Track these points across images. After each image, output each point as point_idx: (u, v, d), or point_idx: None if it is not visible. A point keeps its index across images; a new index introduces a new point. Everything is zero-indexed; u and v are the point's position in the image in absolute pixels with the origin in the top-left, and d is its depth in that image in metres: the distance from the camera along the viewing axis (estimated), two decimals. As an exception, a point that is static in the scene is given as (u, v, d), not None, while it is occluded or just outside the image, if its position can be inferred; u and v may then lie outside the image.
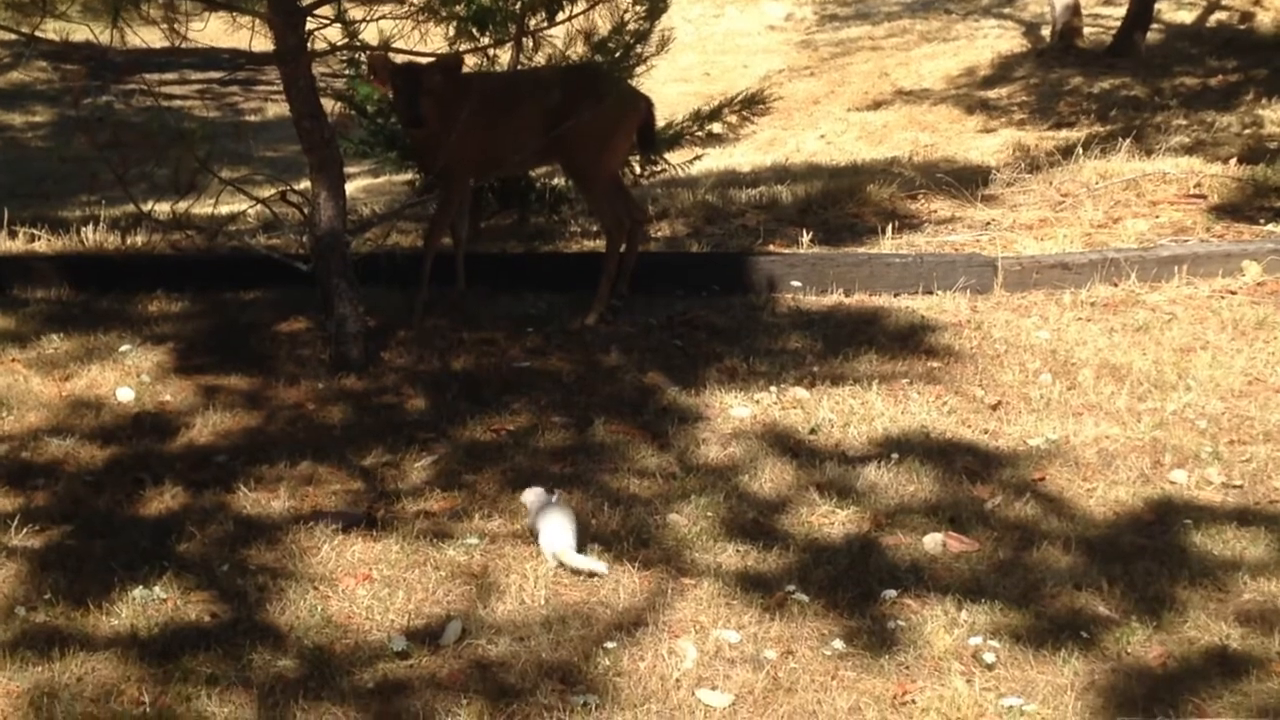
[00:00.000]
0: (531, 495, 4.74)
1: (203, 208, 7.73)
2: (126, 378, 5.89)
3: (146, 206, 6.00)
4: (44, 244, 7.84)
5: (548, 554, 4.46)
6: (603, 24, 7.53)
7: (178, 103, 17.98)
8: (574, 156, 6.66)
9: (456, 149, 6.34)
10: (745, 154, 14.22)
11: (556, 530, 4.49)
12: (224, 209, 7.80)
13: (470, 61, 7.47)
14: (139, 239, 7.83)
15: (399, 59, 6.40)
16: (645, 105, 6.83)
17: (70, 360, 6.05)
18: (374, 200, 9.62)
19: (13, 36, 6.28)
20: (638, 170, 8.26)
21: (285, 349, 6.23)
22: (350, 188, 12.25)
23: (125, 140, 5.94)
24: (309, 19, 5.86)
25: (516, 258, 7.54)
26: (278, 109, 19.00)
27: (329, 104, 6.74)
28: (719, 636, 4.06)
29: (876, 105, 16.89)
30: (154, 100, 8.85)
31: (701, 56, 20.73)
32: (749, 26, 22.41)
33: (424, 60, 6.30)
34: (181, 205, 6.09)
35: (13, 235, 7.96)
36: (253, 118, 18.65)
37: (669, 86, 18.79)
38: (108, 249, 7.70)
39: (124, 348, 6.18)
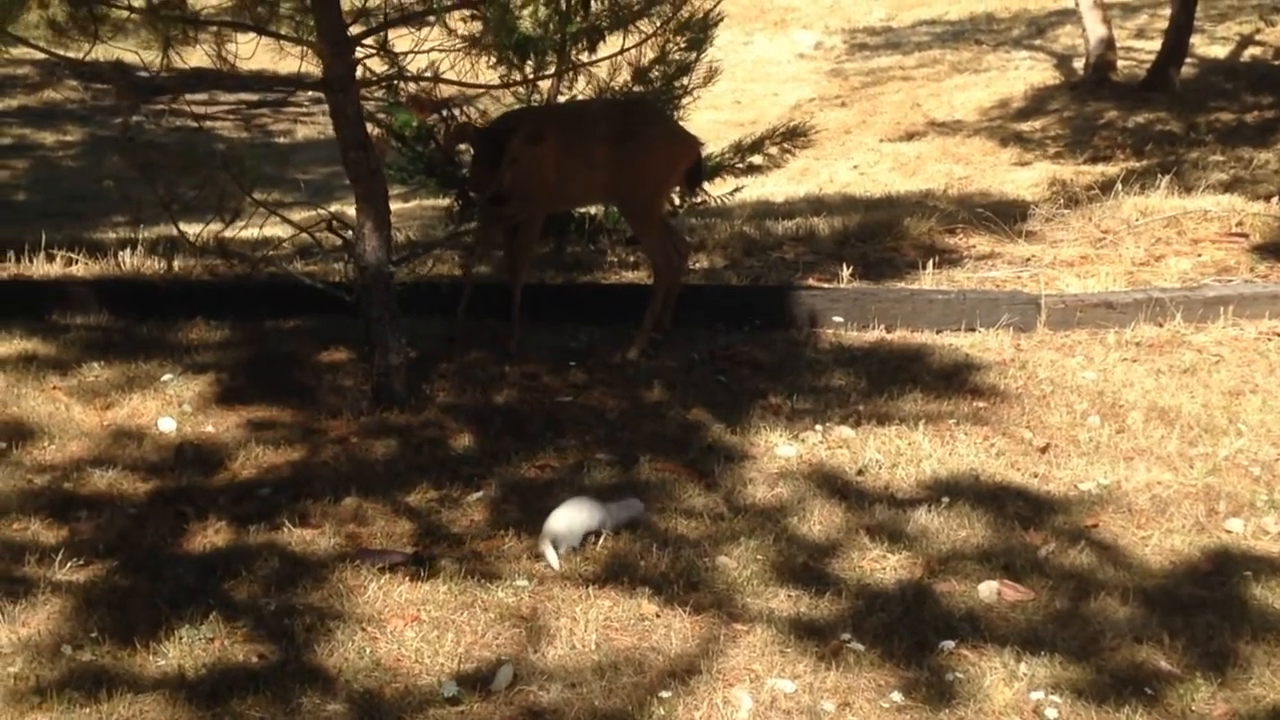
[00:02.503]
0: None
1: (241, 232, 7.71)
2: (168, 407, 5.84)
3: (187, 231, 5.94)
4: (81, 268, 7.79)
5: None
6: (648, 54, 7.50)
7: (208, 124, 18.04)
8: (630, 194, 6.62)
9: (535, 183, 6.36)
10: (778, 184, 14.13)
11: (561, 516, 4.69)
12: (259, 233, 7.75)
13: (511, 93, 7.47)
14: (177, 264, 7.78)
15: (472, 117, 6.40)
16: (696, 146, 6.81)
17: (111, 388, 6.01)
18: (406, 225, 9.57)
19: (42, 56, 6.24)
20: (676, 201, 8.23)
21: (327, 380, 6.18)
22: (407, 207, 12.30)
23: (163, 162, 5.88)
24: (357, 48, 5.82)
25: (555, 289, 7.49)
26: (307, 131, 19.05)
27: (312, 133, 6.70)
28: (774, 686, 3.99)
29: (909, 136, 16.84)
30: (196, 122, 8.84)
31: (731, 84, 20.66)
32: (779, 54, 22.40)
33: (506, 124, 6.32)
34: (221, 230, 6.03)
35: (50, 259, 7.92)
36: (283, 140, 18.67)
37: (699, 114, 18.61)
38: (146, 274, 7.65)
39: (165, 376, 6.14)
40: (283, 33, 5.90)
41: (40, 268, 7.79)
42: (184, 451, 5.43)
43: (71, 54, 6.15)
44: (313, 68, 5.98)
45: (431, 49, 6.21)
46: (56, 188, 15.42)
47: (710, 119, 17.49)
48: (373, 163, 5.84)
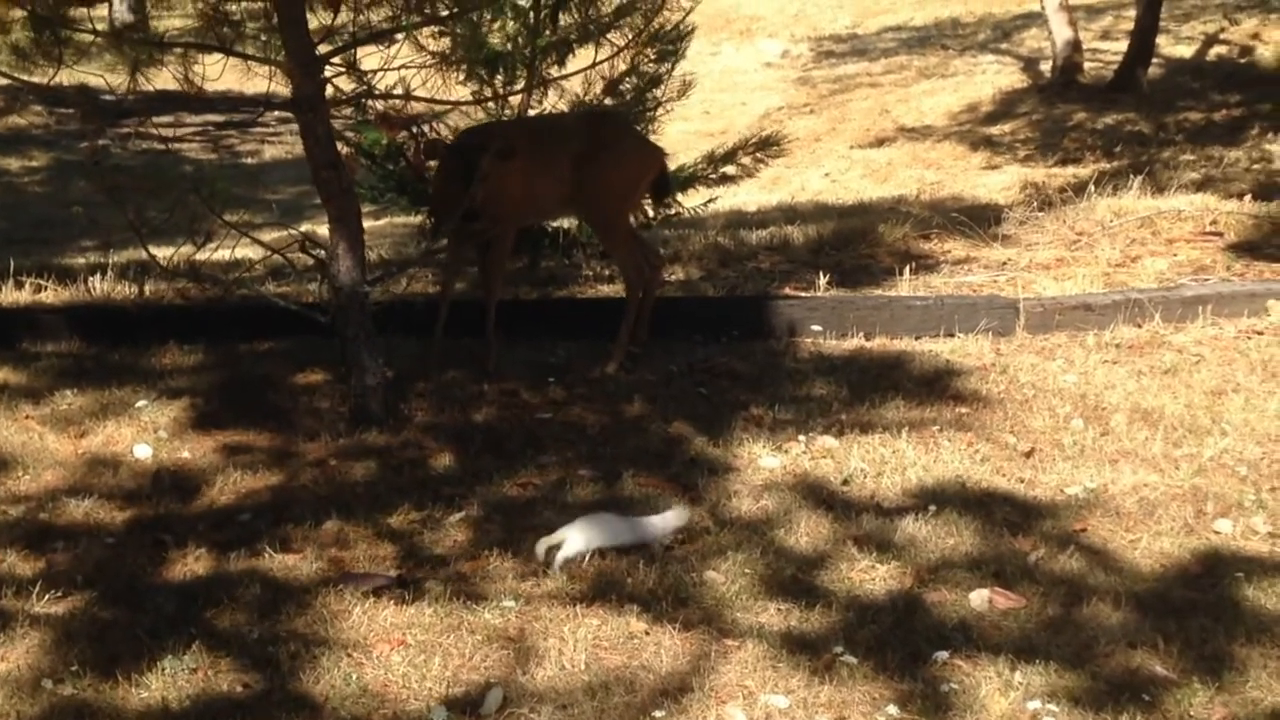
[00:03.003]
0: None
1: (212, 255, 7.63)
2: (143, 434, 5.77)
3: (157, 255, 5.86)
4: (51, 294, 7.71)
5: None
6: (619, 67, 7.46)
7: (175, 146, 17.93)
8: (596, 206, 6.58)
9: (504, 198, 6.33)
10: (750, 193, 14.09)
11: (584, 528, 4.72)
12: (231, 255, 7.69)
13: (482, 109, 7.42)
14: (148, 289, 7.70)
15: (441, 133, 6.35)
16: (662, 156, 6.78)
17: (85, 416, 5.92)
18: (378, 243, 9.49)
19: (5, 81, 6.16)
20: (650, 213, 8.19)
21: (304, 402, 6.12)
22: (379, 224, 12.22)
23: (131, 185, 5.80)
24: (326, 66, 5.76)
25: (531, 304, 7.44)
26: (274, 151, 18.94)
27: (280, 153, 6.63)
28: (768, 702, 3.94)
29: (879, 142, 16.83)
30: (163, 144, 8.78)
31: (700, 94, 20.41)
32: (745, 64, 22.37)
33: (473, 139, 6.27)
34: (193, 253, 5.96)
35: (19, 285, 7.84)
36: (250, 160, 18.57)
37: (669, 125, 18.58)
38: (117, 300, 7.56)
39: (139, 403, 6.06)
40: (249, 53, 5.83)
41: (9, 295, 7.71)
42: (161, 479, 5.35)
43: (36, 79, 6.09)
44: (280, 87, 5.92)
45: (401, 66, 6.15)
46: (22, 214, 15.30)
47: (680, 130, 17.47)
48: (345, 182, 5.79)
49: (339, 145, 8.43)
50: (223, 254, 7.41)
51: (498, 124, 7.20)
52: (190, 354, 6.71)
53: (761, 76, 21.63)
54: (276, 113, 8.92)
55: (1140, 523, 5.03)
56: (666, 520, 4.87)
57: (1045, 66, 18.74)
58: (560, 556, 4.66)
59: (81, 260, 9.00)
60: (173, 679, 3.98)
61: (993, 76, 19.28)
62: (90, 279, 7.82)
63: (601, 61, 7.11)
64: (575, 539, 4.70)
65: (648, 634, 4.26)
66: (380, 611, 4.36)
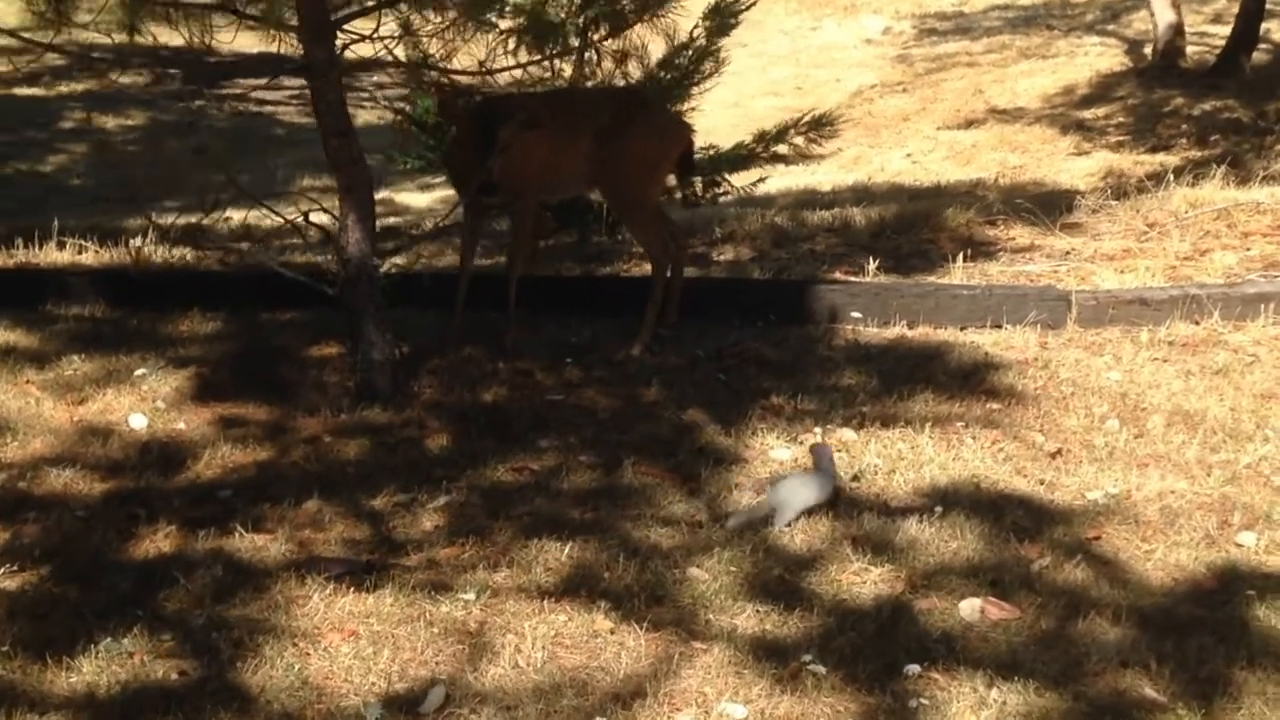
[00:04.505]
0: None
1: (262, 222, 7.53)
2: (142, 403, 5.67)
3: (220, 218, 5.77)
4: (91, 256, 7.66)
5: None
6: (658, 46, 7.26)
7: (269, 108, 18.00)
8: (620, 183, 6.39)
9: (524, 171, 6.17)
10: (829, 173, 13.86)
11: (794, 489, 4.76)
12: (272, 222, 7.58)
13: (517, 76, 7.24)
14: (189, 254, 7.60)
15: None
16: (688, 133, 6.61)
17: (87, 383, 5.83)
18: (425, 220, 9.39)
19: (111, 41, 6.10)
20: (699, 192, 8.00)
21: (312, 376, 6.00)
22: (427, 199, 12.14)
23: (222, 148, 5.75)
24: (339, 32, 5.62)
25: (565, 281, 7.27)
26: (367, 116, 18.91)
27: (386, 117, 6.48)
28: (723, 711, 3.74)
29: (968, 124, 16.44)
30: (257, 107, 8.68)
31: (795, 70, 20.43)
32: (846, 40, 22.05)
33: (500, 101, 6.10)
34: (217, 218, 5.87)
35: (61, 246, 7.80)
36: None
37: (760, 101, 18.55)
38: (153, 263, 7.49)
39: (141, 371, 5.96)
40: (250, 13, 5.68)
41: (49, 255, 7.67)
42: (149, 450, 5.25)
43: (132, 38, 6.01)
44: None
45: (417, 31, 5.97)
46: (112, 173, 15.37)
47: (769, 105, 17.31)
48: (354, 151, 5.65)
49: (391, 115, 8.38)
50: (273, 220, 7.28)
51: (520, 95, 7.02)
52: (209, 321, 6.61)
53: (860, 53, 21.29)
54: (375, 76, 8.85)
55: (1159, 532, 4.77)
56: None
57: (1149, 50, 18.24)
58: (781, 521, 4.71)
59: (135, 222, 8.95)
60: (106, 663, 3.85)
61: (1094, 59, 18.79)
62: (132, 241, 7.73)
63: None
64: (789, 504, 4.74)
65: (613, 633, 4.09)
66: (340, 599, 4.22)
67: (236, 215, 8.38)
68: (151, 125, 18.16)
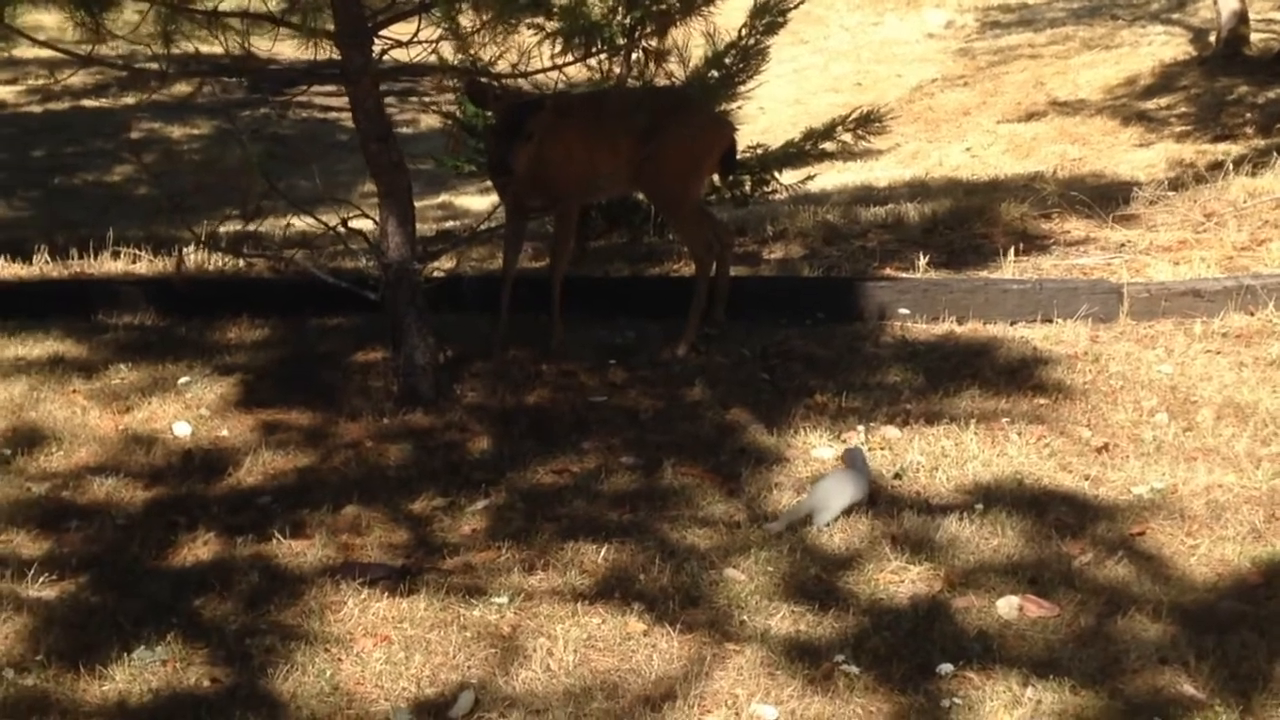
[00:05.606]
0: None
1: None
2: (186, 411, 5.70)
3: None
4: (145, 265, 7.71)
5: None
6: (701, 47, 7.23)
7: (333, 114, 18.07)
8: (661, 183, 6.38)
9: (564, 173, 6.17)
10: (886, 168, 13.79)
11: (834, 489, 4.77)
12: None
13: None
14: (240, 262, 7.64)
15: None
16: (730, 131, 6.60)
17: (133, 392, 5.86)
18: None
19: (178, 50, 6.15)
20: (749, 190, 7.98)
21: (356, 381, 6.00)
22: (486, 203, 12.14)
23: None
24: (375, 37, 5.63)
25: (613, 281, 7.25)
26: (430, 121, 18.95)
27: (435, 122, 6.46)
28: (753, 712, 3.72)
29: (1028, 117, 16.25)
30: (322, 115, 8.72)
31: (855, 65, 20.31)
32: (907, 34, 21.89)
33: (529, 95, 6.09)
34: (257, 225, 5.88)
35: (115, 256, 7.86)
36: (407, 130, 18.58)
37: (820, 97, 18.48)
38: (204, 271, 7.54)
39: (186, 379, 5.99)
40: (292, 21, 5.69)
41: (103, 265, 7.73)
42: (191, 458, 5.27)
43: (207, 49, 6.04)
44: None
45: (443, 37, 5.95)
46: (174, 182, 15.48)
47: (829, 101, 17.21)
48: (394, 155, 5.66)
49: (441, 120, 8.37)
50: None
51: (559, 94, 7.02)
52: (257, 328, 6.63)
53: (921, 48, 21.13)
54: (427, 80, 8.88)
55: (1204, 527, 4.71)
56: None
57: (1214, 38, 17.99)
58: (821, 521, 4.71)
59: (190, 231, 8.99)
60: (139, 671, 3.86)
61: (1158, 48, 18.54)
62: (179, 250, 7.77)
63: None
64: (829, 504, 4.75)
65: (646, 635, 4.07)
66: (374, 604, 4.22)
67: (297, 222, 8.42)
68: (216, 134, 18.28)
